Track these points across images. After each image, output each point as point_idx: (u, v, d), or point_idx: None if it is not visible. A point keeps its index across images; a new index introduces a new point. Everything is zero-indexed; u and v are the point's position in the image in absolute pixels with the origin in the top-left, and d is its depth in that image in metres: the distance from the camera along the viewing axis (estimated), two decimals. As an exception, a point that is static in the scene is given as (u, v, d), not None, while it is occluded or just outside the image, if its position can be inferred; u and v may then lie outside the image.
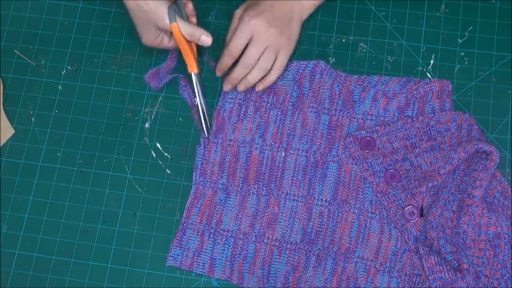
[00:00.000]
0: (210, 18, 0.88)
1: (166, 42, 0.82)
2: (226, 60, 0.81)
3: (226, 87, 0.83)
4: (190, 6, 0.83)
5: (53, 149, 0.83)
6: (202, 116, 0.81)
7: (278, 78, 0.83)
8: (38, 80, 0.87)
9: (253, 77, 0.81)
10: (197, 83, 0.81)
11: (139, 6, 0.76)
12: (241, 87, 0.82)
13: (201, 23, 0.87)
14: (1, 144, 0.84)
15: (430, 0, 0.87)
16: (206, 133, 0.82)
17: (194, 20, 0.83)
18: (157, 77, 0.85)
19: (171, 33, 0.79)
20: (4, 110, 0.85)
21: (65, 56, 0.87)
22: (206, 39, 0.79)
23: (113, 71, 0.87)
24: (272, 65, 0.81)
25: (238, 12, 0.83)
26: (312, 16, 0.87)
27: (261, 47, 0.79)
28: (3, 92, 0.86)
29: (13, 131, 0.84)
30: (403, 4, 0.87)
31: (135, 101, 0.85)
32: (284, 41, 0.80)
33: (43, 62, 0.87)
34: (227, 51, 0.80)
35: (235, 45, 0.79)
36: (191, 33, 0.78)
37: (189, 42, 0.80)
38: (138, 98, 0.85)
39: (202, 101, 0.81)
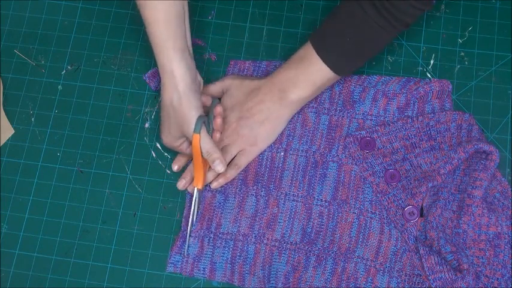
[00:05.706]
0: (210, 18, 0.88)
1: (184, 148, 0.78)
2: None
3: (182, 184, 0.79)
4: (218, 122, 0.79)
5: (53, 149, 0.83)
6: (189, 233, 0.77)
7: None
8: (38, 80, 0.87)
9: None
10: (197, 199, 0.77)
11: (173, 105, 0.72)
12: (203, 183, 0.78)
13: (201, 23, 0.87)
14: (1, 144, 0.84)
15: (430, 0, 0.87)
16: (186, 251, 0.77)
17: (218, 135, 0.80)
18: (157, 77, 0.85)
19: (191, 142, 0.76)
20: (4, 110, 0.85)
21: (65, 56, 0.87)
22: (219, 166, 0.75)
23: (113, 71, 0.87)
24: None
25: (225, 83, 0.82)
26: (312, 16, 0.87)
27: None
28: (3, 92, 0.86)
29: (13, 131, 0.84)
30: (403, 4, 0.87)
31: (135, 101, 0.85)
32: (247, 143, 0.79)
33: (43, 62, 0.87)
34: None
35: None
36: (209, 152, 0.74)
37: (203, 157, 0.76)
38: (138, 98, 0.85)
39: (195, 219, 0.78)
